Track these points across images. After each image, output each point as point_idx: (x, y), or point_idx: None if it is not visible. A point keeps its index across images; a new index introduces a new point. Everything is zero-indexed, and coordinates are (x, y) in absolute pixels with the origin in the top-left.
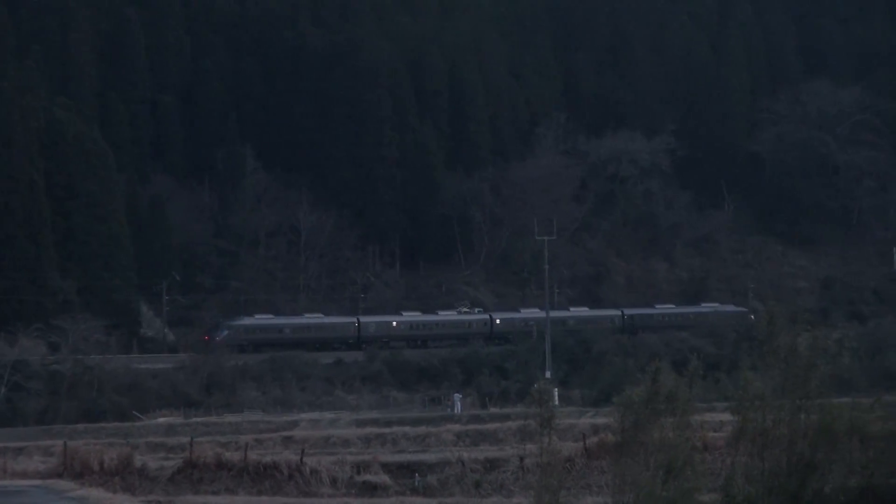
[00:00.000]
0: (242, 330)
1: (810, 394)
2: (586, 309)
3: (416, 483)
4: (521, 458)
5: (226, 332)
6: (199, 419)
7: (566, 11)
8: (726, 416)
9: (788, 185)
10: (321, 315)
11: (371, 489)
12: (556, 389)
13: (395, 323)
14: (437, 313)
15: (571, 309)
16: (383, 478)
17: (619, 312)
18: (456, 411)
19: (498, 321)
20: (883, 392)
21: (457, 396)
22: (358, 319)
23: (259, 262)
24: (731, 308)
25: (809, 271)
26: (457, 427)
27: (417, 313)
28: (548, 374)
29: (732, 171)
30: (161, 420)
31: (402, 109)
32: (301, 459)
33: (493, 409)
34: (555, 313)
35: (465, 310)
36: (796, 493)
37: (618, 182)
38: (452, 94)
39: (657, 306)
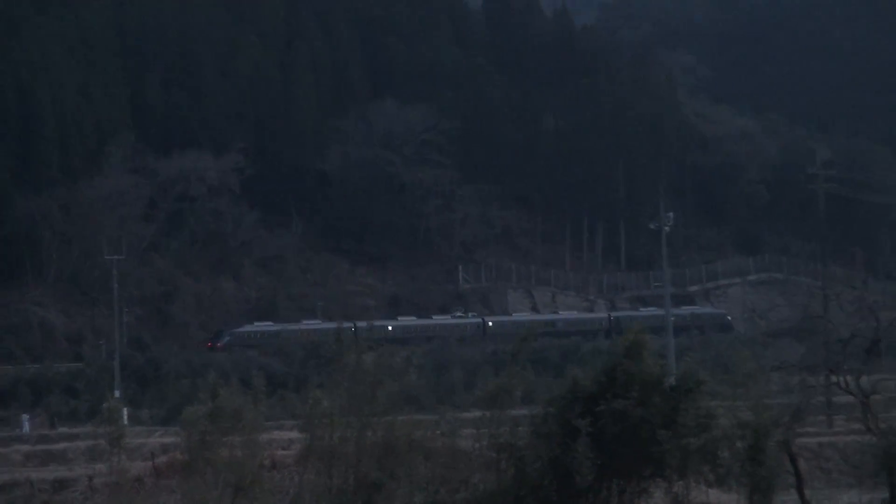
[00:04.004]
0: (243, 336)
1: (376, 411)
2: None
3: None
4: (90, 478)
5: (227, 339)
6: None
7: (134, 30)
8: (295, 434)
9: (356, 204)
10: (319, 321)
11: None
12: (126, 408)
13: (390, 327)
14: (431, 317)
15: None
16: None
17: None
18: (24, 431)
19: (490, 324)
20: (447, 408)
21: (25, 417)
22: (354, 324)
23: None
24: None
25: (377, 289)
26: (25, 447)
27: (413, 318)
28: (117, 394)
29: (301, 190)
30: None
31: None
32: None
33: (62, 429)
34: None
35: (460, 314)
36: None
37: (187, 201)
38: (21, 112)
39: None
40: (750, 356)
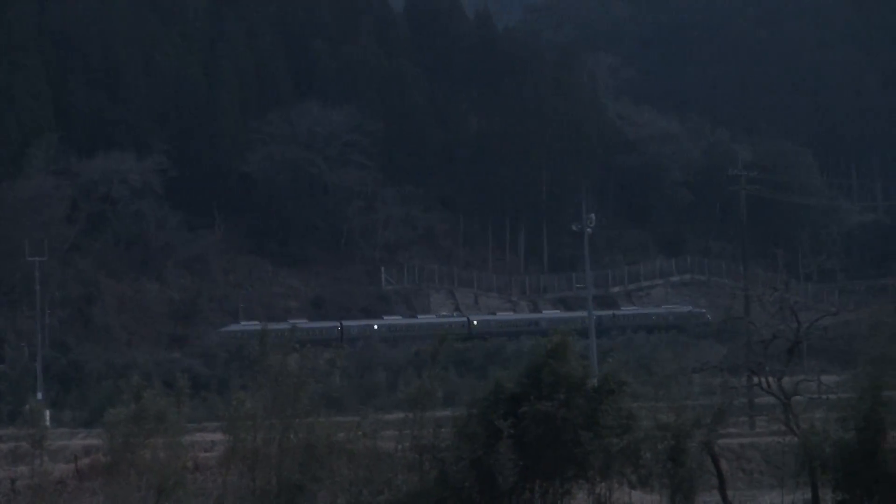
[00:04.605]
0: (230, 335)
1: (299, 413)
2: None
3: None
4: (13, 481)
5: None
6: None
7: (57, 31)
8: (218, 436)
9: (279, 206)
10: (305, 320)
11: None
12: (48, 410)
13: (375, 326)
14: (416, 317)
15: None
16: None
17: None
18: None
19: (475, 323)
20: (368, 410)
21: None
22: (340, 323)
23: None
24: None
25: (300, 291)
26: None
27: (398, 317)
28: (39, 396)
29: (223, 192)
30: None
31: None
32: None
33: None
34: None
35: (445, 314)
36: None
37: (109, 203)
38: None
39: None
40: (671, 358)
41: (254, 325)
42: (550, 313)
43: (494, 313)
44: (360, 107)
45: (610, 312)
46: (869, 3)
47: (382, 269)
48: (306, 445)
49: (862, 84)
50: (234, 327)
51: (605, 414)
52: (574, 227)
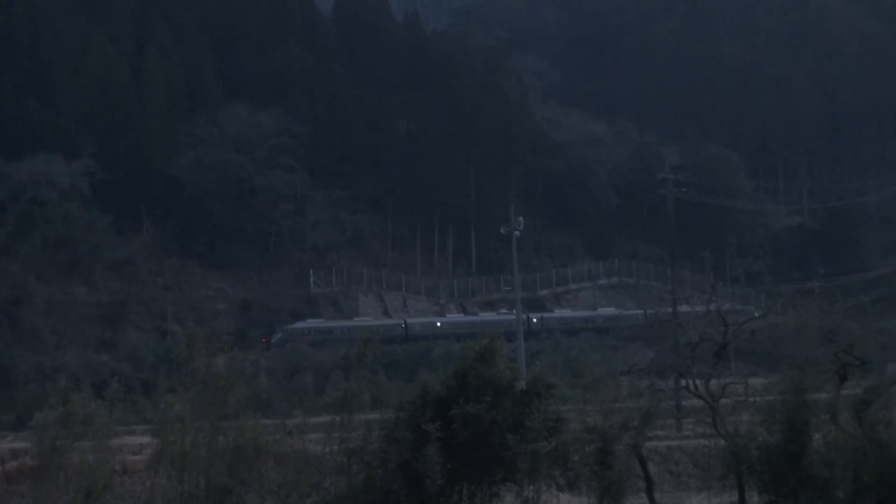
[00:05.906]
0: (296, 333)
1: (228, 415)
2: None
3: None
4: None
5: (280, 335)
6: None
7: None
8: (147, 439)
9: (207, 208)
10: (370, 318)
11: None
12: None
13: (438, 323)
14: (477, 314)
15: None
16: None
17: None
18: None
19: (535, 320)
20: (291, 411)
21: None
22: (405, 321)
23: None
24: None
25: (228, 294)
26: None
27: (461, 314)
28: None
29: (152, 195)
30: None
31: None
32: None
33: None
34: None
35: (504, 311)
36: None
37: (37, 205)
38: None
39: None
40: (599, 360)
41: (318, 323)
42: (605, 311)
43: (553, 310)
44: (289, 109)
45: (662, 310)
46: (794, 7)
47: (311, 271)
48: (235, 448)
49: (788, 88)
50: (299, 325)
51: (532, 417)
52: (503, 230)
